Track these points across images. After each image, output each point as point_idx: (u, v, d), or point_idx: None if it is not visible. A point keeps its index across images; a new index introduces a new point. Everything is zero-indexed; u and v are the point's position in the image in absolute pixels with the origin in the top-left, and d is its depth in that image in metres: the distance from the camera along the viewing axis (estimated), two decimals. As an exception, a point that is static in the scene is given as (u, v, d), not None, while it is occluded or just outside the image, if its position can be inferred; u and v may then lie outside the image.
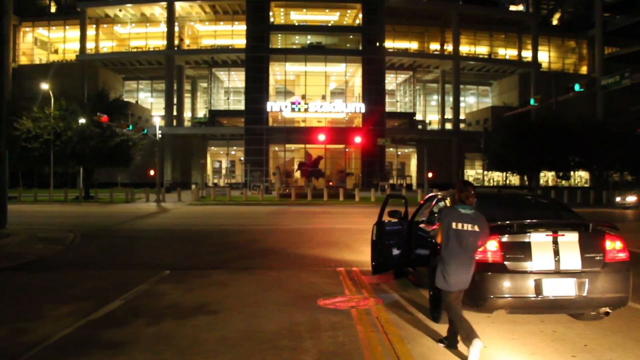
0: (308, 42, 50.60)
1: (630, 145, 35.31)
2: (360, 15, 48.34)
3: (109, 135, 31.68)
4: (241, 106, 49.38)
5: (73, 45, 52.44)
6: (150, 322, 5.56)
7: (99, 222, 18.28)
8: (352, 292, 6.98)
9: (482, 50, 55.35)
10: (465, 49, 53.98)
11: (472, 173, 54.86)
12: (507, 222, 5.08)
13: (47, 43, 54.99)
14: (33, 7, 54.73)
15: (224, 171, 56.05)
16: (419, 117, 56.42)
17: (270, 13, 47.97)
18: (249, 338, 5.00)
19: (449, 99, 52.75)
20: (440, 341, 4.86)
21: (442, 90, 53.68)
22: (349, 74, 51.02)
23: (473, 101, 61.57)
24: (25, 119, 30.10)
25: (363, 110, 45.93)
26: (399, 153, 54.64)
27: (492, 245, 5.02)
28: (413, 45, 54.41)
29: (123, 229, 16.25)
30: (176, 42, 50.25)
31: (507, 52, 55.60)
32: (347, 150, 48.37)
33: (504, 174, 45.66)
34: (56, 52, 55.07)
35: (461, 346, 4.62)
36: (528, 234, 5.03)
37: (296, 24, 51.28)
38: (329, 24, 52.28)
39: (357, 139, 38.66)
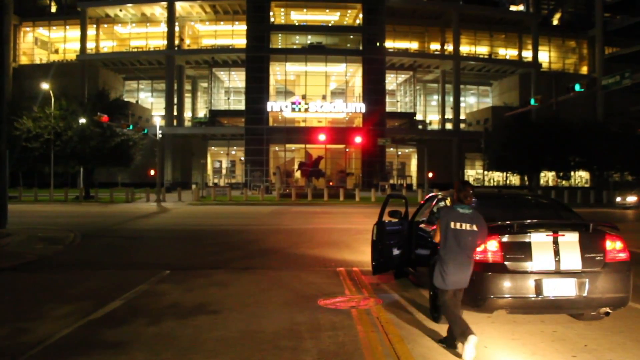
0: (308, 42, 50.60)
1: (631, 146, 35.32)
2: (361, 15, 48.32)
3: (109, 135, 31.71)
4: (241, 106, 49.37)
5: (73, 45, 52.45)
6: (151, 322, 5.56)
7: (99, 222, 18.29)
8: (353, 292, 6.98)
9: (483, 50, 55.34)
10: (465, 49, 53.96)
11: (473, 173, 54.85)
12: (508, 222, 5.08)
13: (48, 43, 55.02)
14: (33, 7, 54.76)
15: (224, 171, 56.05)
16: (419, 117, 56.39)
17: (271, 13, 47.95)
18: (249, 338, 5.00)
19: (449, 99, 52.72)
20: (440, 341, 4.86)
21: (443, 90, 53.65)
22: (349, 74, 51.02)
23: (473, 101, 61.55)
24: (26, 119, 30.13)
25: (363, 110, 45.93)
26: (399, 153, 54.64)
27: (492, 245, 5.02)
28: (413, 45, 54.39)
29: (123, 229, 16.25)
30: (176, 42, 50.25)
31: (508, 52, 55.58)
32: (347, 150, 48.37)
33: (504, 174, 45.64)
34: (56, 52, 55.09)
35: (462, 346, 4.62)
36: (528, 234, 5.04)
37: (296, 24, 51.28)
38: (330, 24, 52.27)
39: (358, 139, 38.67)
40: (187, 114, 55.63)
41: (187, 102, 56.25)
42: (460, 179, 39.99)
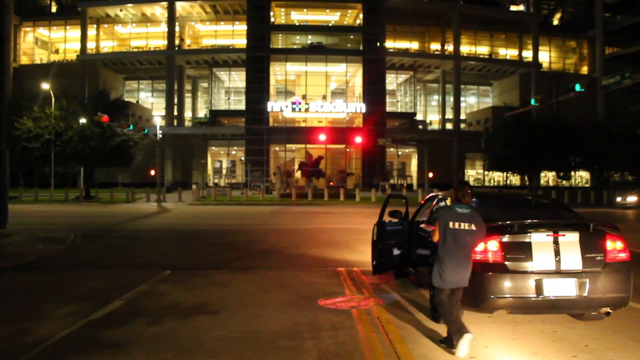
0: (309, 42, 50.60)
1: (631, 145, 35.29)
2: (361, 15, 48.31)
3: (109, 135, 31.69)
4: (242, 106, 49.38)
5: (74, 45, 52.46)
6: (151, 322, 5.56)
7: (99, 222, 18.29)
8: (353, 292, 6.98)
9: (483, 50, 55.33)
10: (465, 49, 53.95)
11: (473, 173, 54.84)
12: (508, 222, 5.08)
13: (48, 43, 55.03)
14: (34, 7, 54.80)
15: (224, 171, 56.02)
16: (419, 117, 56.40)
17: (271, 13, 47.94)
18: (250, 338, 5.00)
19: (450, 99, 52.72)
20: (441, 341, 4.86)
21: (443, 90, 53.64)
22: (350, 74, 51.02)
23: (474, 101, 61.55)
24: (26, 119, 30.12)
25: (364, 110, 45.93)
26: (400, 153, 54.64)
27: (492, 245, 5.03)
28: (413, 45, 54.38)
29: (124, 229, 16.26)
30: (177, 42, 50.26)
31: (508, 52, 55.57)
32: (347, 150, 48.38)
33: (505, 174, 45.65)
34: (57, 52, 55.10)
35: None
36: (529, 234, 5.04)
37: (297, 24, 51.28)
38: (330, 24, 52.26)
39: (358, 139, 38.67)
40: (188, 114, 55.67)
41: (188, 102, 56.29)
42: (460, 179, 40.01)
